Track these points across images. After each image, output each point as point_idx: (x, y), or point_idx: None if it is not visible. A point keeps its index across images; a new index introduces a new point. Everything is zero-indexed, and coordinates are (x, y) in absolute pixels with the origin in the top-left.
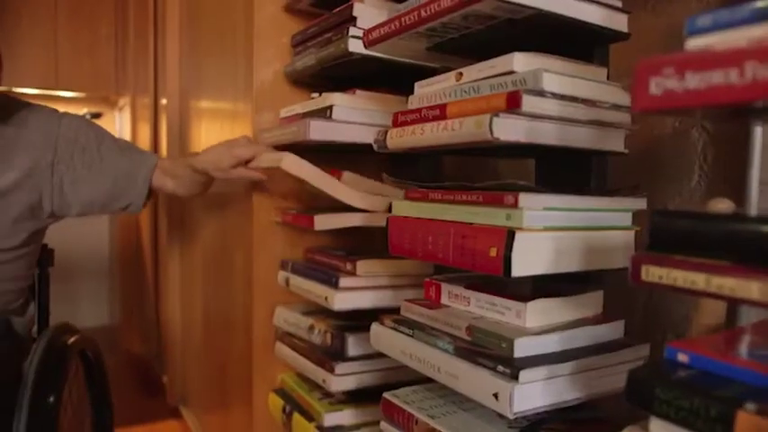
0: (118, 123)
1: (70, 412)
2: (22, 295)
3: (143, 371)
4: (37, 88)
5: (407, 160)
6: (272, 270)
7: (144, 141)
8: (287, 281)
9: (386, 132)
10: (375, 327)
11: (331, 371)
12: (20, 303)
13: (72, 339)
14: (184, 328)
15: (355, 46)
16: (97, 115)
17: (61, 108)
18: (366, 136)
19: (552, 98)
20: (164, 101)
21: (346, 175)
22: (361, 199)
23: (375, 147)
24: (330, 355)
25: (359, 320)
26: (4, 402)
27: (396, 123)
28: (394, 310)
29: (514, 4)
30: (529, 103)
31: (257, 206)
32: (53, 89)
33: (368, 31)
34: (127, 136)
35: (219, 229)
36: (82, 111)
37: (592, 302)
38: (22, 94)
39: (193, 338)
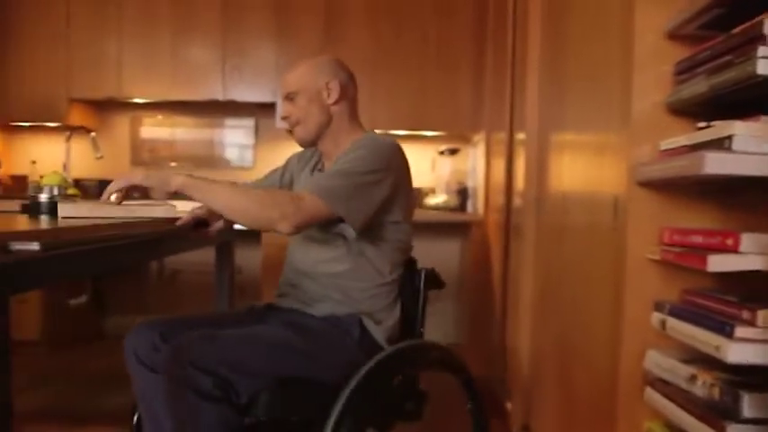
0: (471, 158)
1: None
2: (383, 300)
3: (485, 393)
4: (407, 130)
5: None
6: (644, 310)
7: (498, 174)
8: (663, 323)
9: None
10: None
11: (720, 431)
12: (383, 306)
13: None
14: (533, 357)
15: (765, 67)
16: (454, 151)
17: (424, 145)
18: None
19: None
20: (521, 135)
21: (745, 236)
22: None
23: None
24: (719, 413)
25: (752, 376)
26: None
27: None
28: None
29: None
30: None
31: (632, 241)
32: (420, 130)
33: None
34: (480, 170)
35: (580, 261)
36: (441, 148)
37: None
38: (395, 135)
39: (543, 369)
